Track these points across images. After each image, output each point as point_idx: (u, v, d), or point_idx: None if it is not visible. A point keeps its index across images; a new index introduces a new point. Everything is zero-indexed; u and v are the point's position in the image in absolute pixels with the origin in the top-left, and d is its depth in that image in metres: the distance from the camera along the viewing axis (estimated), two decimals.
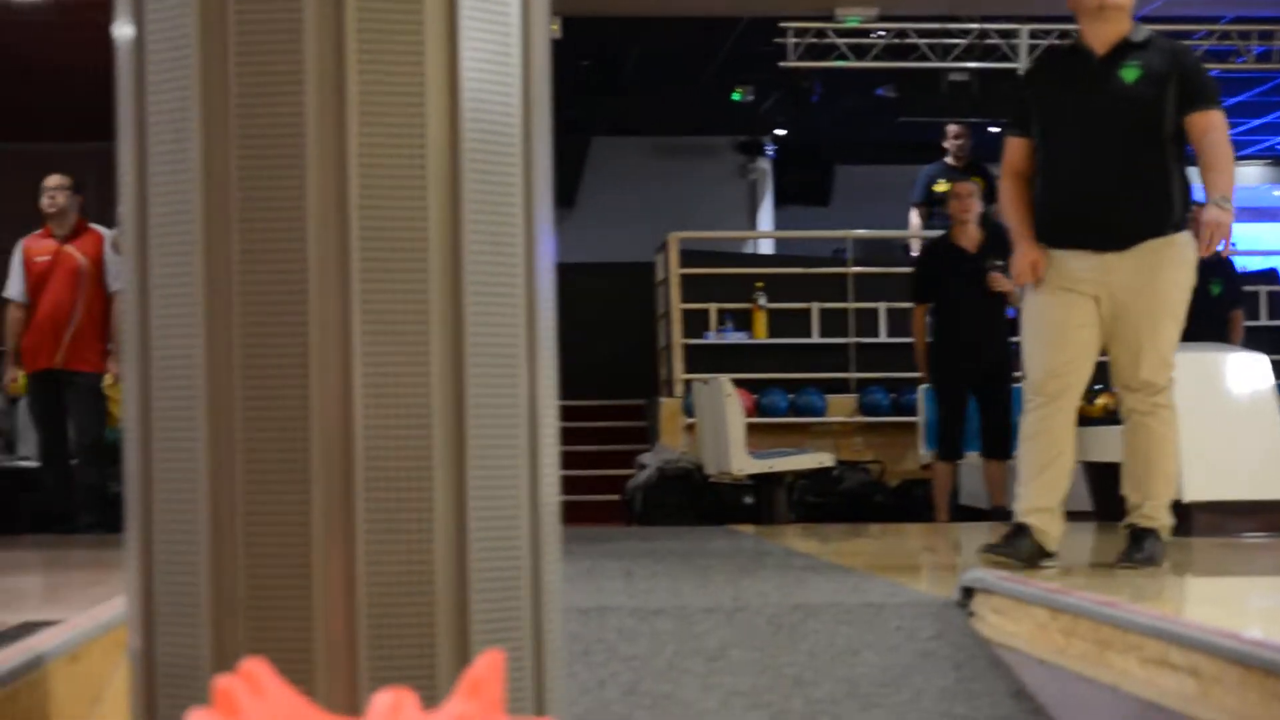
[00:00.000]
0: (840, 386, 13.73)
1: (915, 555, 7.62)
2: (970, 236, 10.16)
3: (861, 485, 12.29)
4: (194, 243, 2.17)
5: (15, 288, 9.93)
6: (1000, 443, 9.80)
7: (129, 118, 2.27)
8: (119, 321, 9.64)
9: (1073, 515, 6.34)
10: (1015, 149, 5.88)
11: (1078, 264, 5.67)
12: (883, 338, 14.02)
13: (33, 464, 10.71)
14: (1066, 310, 5.66)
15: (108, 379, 9.67)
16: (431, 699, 2.01)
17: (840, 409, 13.50)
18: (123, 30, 2.27)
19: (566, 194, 19.02)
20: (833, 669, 3.99)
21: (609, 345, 15.16)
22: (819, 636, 4.18)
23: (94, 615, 3.73)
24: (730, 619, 4.29)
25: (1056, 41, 13.55)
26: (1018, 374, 7.13)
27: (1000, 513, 9.59)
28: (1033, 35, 14.50)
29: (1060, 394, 5.66)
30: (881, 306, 14.03)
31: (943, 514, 10.31)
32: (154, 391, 2.22)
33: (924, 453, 11.95)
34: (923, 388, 11.88)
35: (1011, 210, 5.85)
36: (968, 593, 4.40)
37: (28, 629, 3.65)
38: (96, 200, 10.73)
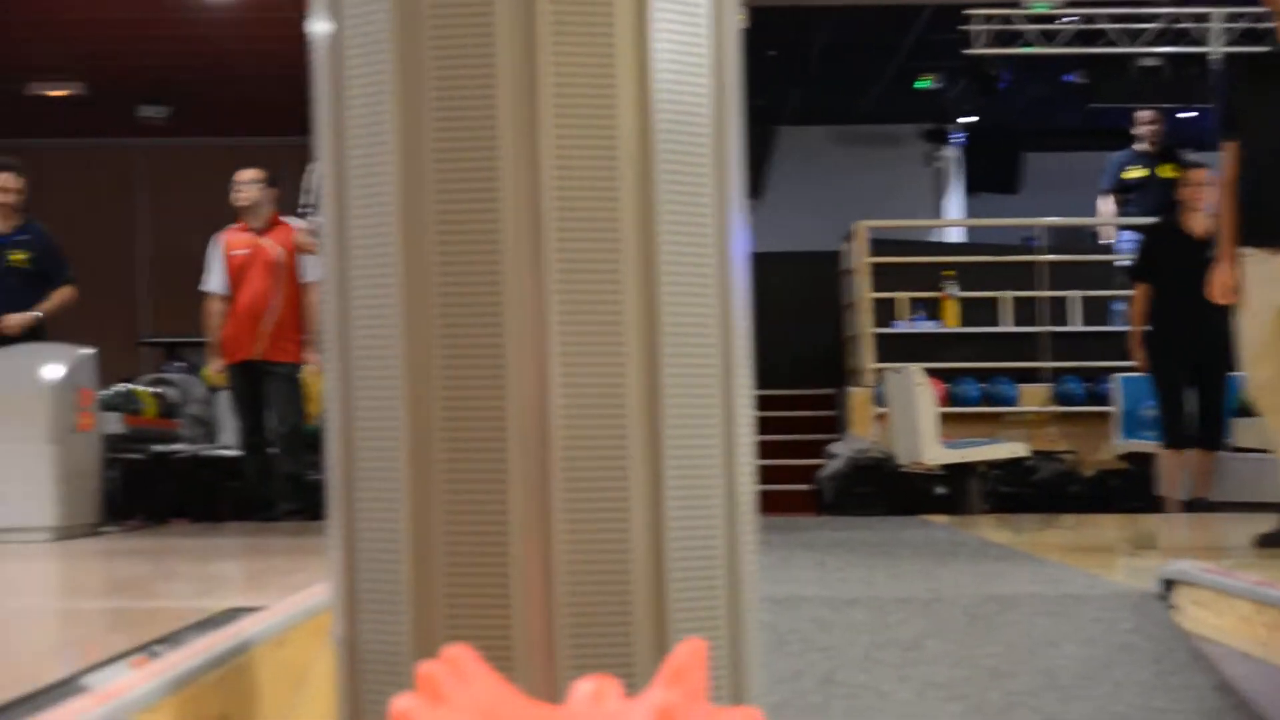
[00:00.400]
0: (1032, 376, 13.57)
1: (1112, 546, 7.52)
2: (1199, 224, 9.97)
3: (1056, 475, 12.14)
4: (392, 237, 2.19)
5: (216, 280, 10.13)
6: (1213, 433, 9.58)
7: (326, 112, 2.30)
8: (315, 313, 9.80)
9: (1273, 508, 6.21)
10: (1228, 156, 5.86)
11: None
12: (1076, 326, 13.83)
13: (233, 453, 10.92)
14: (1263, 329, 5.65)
15: (308, 369, 9.82)
16: (629, 687, 2.02)
17: (1033, 398, 13.34)
18: (319, 25, 2.30)
19: (753, 184, 18.98)
20: (1031, 661, 3.94)
21: (797, 335, 15.11)
22: (1016, 628, 4.14)
23: (297, 601, 3.79)
24: (925, 610, 4.26)
25: (1250, 39, 13.27)
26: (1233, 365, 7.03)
27: (1201, 504, 9.41)
28: (1227, 19, 14.22)
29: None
30: (1075, 295, 13.85)
31: (1172, 504, 10.04)
32: (354, 384, 2.25)
33: (1118, 442, 11.77)
34: (1118, 377, 11.70)
35: (1224, 224, 5.84)
36: (1168, 585, 4.33)
37: (233, 615, 3.73)
38: (292, 193, 10.92)
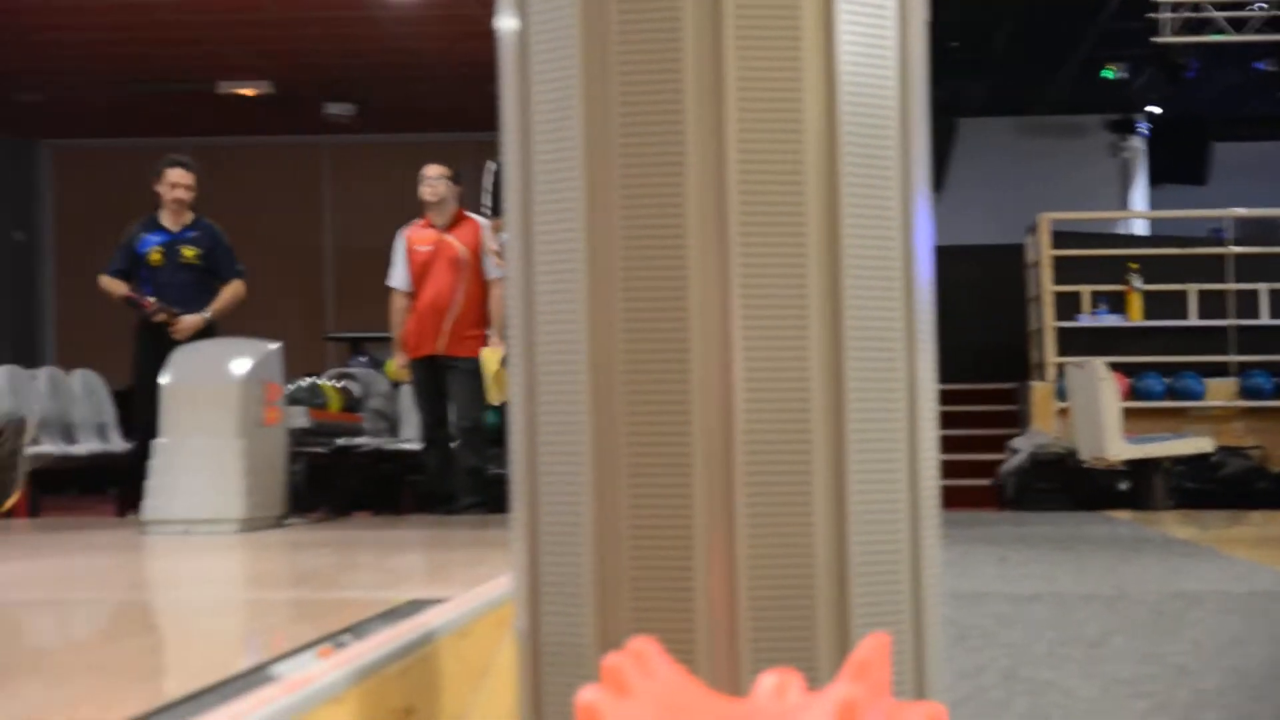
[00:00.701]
0: (1219, 370, 13.34)
1: None
2: None
3: (1243, 471, 11.93)
4: (576, 235, 2.20)
5: (399, 277, 10.25)
6: None
7: (512, 110, 2.31)
8: (497, 309, 9.88)
9: None
10: None
11: None
12: (1265, 319, 13.57)
13: (415, 447, 11.05)
14: None
15: (486, 351, 9.86)
16: (812, 681, 2.01)
17: (1219, 393, 13.11)
18: (506, 23, 2.32)
19: (935, 177, 18.79)
20: (1219, 659, 3.88)
21: (978, 328, 14.99)
22: (1203, 626, 4.07)
23: (479, 594, 3.83)
24: (1110, 606, 4.21)
25: None
26: None
27: None
28: None
29: None
30: (1263, 287, 13.59)
31: None
32: (539, 379, 2.27)
33: None
34: None
35: None
36: None
37: (416, 606, 3.77)
38: (474, 189, 11.02)
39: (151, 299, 9.62)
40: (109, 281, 10.02)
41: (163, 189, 9.96)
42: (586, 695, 1.53)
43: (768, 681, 1.60)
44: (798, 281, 2.16)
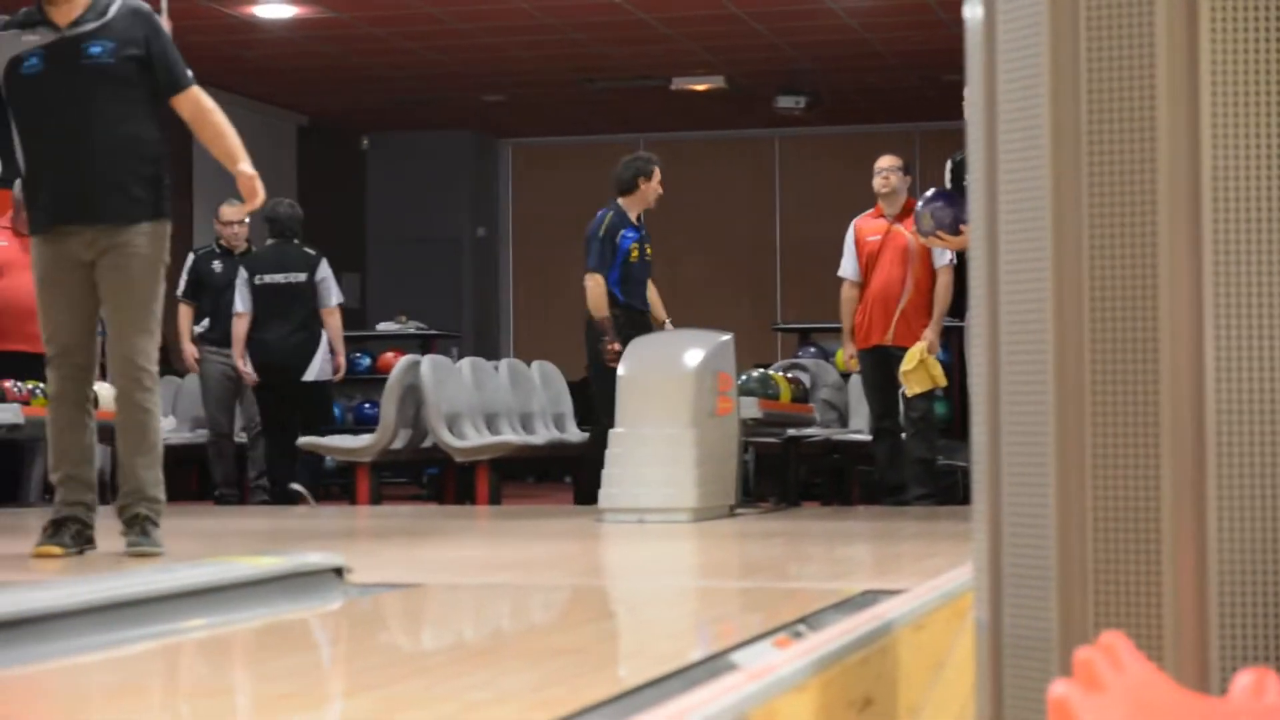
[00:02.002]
0: None
1: None
2: None
3: None
4: (1043, 227, 2.19)
5: (849, 267, 10.26)
6: None
7: (977, 101, 2.30)
8: (942, 297, 9.81)
9: None
10: None
11: None
12: None
13: (864, 438, 11.06)
14: None
15: (918, 346, 9.77)
16: None
17: None
18: (972, 13, 2.31)
19: None
20: None
21: None
22: None
23: (935, 585, 3.81)
24: None
25: None
26: None
27: None
28: None
29: None
30: None
31: None
32: (1002, 370, 2.26)
33: None
34: None
35: None
36: None
37: (871, 597, 3.78)
38: (923, 180, 10.96)
39: (615, 345, 9.54)
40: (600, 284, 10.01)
41: (650, 188, 10.07)
42: (1058, 689, 1.51)
43: (1244, 680, 1.55)
44: (1271, 276, 2.10)
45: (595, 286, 9.81)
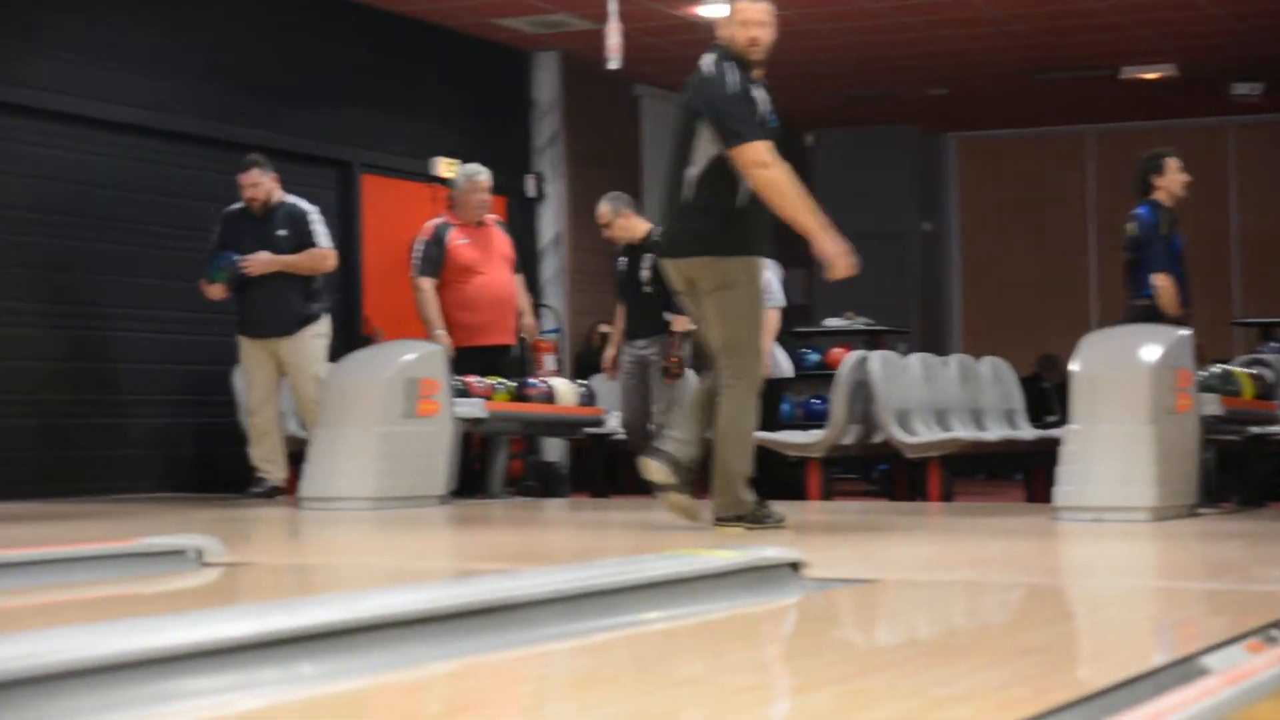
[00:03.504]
0: None
1: None
2: None
3: None
4: None
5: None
6: None
7: None
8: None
9: None
10: None
11: None
12: None
13: None
14: None
15: None
16: None
17: None
18: None
19: None
20: None
21: None
22: None
23: None
24: None
25: None
26: None
27: None
28: None
29: None
30: None
31: None
32: None
33: None
34: None
35: None
36: None
37: None
38: None
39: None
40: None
41: (1171, 180, 10.04)
42: None
43: None
44: None
45: (1167, 288, 10.03)
